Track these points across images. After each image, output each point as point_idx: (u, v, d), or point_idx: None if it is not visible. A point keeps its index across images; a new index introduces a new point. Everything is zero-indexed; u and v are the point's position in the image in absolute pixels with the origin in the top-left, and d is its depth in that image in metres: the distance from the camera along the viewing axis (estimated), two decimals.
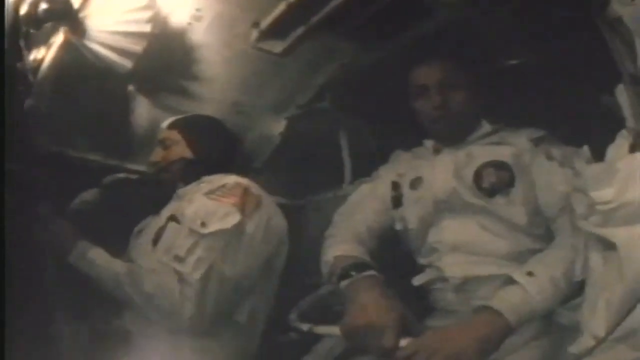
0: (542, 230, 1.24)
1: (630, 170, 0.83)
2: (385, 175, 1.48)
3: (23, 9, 1.29)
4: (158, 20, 1.45)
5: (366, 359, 1.15)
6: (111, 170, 1.70)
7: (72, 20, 1.39)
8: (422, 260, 1.36)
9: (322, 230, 1.43)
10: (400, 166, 1.47)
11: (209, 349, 1.33)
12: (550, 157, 1.25)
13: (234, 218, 1.34)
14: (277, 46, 1.42)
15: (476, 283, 1.23)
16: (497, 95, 1.41)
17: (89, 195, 1.61)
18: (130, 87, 1.67)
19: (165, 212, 1.46)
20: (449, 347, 0.98)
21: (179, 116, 1.61)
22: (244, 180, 1.46)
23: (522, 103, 1.43)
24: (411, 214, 1.36)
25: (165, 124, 1.59)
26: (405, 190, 1.40)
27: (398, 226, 1.40)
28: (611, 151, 0.91)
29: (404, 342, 1.00)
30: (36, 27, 1.35)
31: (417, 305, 1.28)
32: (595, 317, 0.84)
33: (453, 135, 1.38)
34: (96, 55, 1.43)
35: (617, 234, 0.84)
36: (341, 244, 1.32)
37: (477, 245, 1.26)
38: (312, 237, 1.49)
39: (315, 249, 1.37)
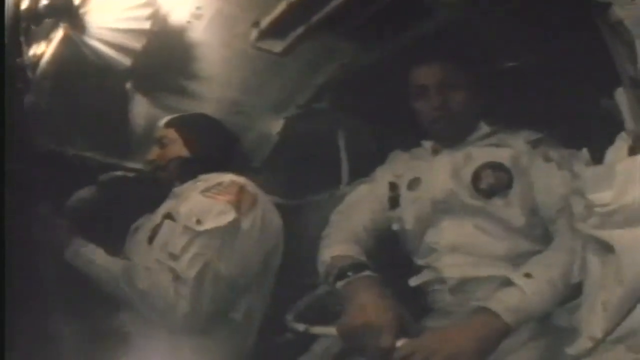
0: (540, 232, 1.24)
1: (629, 172, 0.83)
2: (383, 176, 1.47)
3: (24, 4, 1.30)
4: (158, 18, 1.46)
5: (363, 359, 1.14)
6: (110, 169, 1.70)
7: (72, 16, 1.39)
8: (419, 261, 1.35)
9: (319, 231, 1.42)
10: (398, 167, 1.47)
11: (205, 347, 1.33)
12: (548, 159, 1.25)
13: (230, 215, 1.34)
14: (277, 46, 1.41)
15: (474, 284, 1.23)
16: (496, 96, 1.41)
17: (85, 192, 1.61)
18: (129, 85, 1.67)
19: (161, 210, 1.46)
20: (447, 348, 0.97)
21: (176, 114, 1.61)
22: (240, 179, 1.46)
23: (521, 104, 1.43)
24: (408, 215, 1.35)
25: (162, 122, 1.59)
26: (403, 190, 1.39)
27: (395, 227, 1.40)
28: (610, 154, 0.90)
29: (400, 343, 1.00)
30: (36, 22, 1.36)
31: (415, 306, 1.27)
32: (592, 319, 0.84)
33: (453, 135, 1.38)
34: (95, 51, 1.43)
35: (616, 236, 0.83)
36: (338, 244, 1.31)
37: (474, 246, 1.26)
38: (310, 237, 1.48)
39: (313, 249, 1.36)
